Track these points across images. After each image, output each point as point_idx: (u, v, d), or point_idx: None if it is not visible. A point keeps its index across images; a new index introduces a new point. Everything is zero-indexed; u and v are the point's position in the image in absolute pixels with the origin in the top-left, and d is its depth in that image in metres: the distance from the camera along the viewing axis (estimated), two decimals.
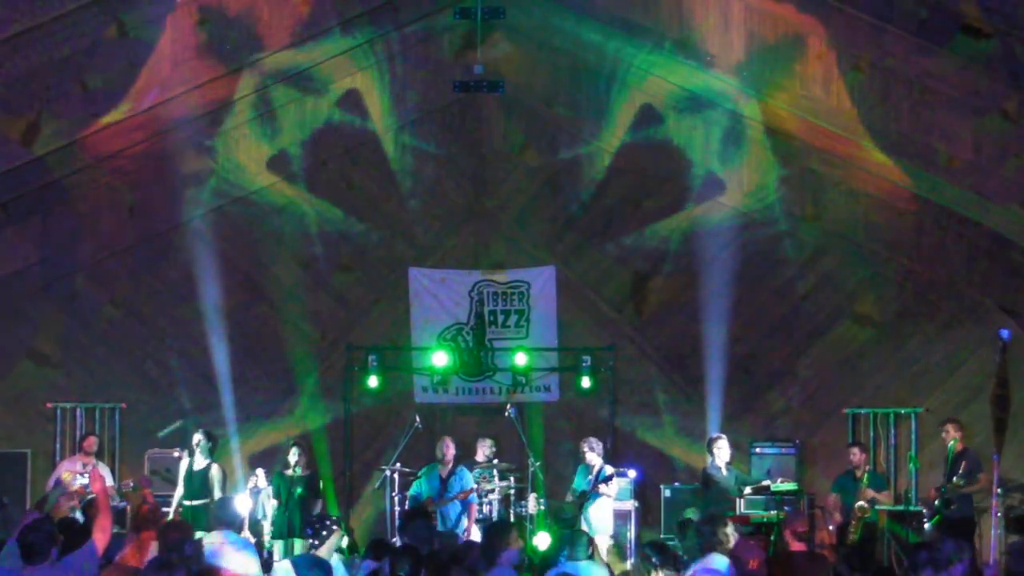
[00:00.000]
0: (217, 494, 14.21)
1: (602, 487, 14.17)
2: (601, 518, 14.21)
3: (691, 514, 13.35)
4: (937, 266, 15.30)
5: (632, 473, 14.85)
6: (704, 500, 14.34)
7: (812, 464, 16.05)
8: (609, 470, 14.27)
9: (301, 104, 15.83)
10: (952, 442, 14.04)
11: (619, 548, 14.59)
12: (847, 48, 13.09)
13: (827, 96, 13.64)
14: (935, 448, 15.30)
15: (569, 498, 14.23)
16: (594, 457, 14.40)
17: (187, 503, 14.14)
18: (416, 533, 9.71)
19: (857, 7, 12.53)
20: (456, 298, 16.73)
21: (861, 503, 13.93)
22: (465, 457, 15.49)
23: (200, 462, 14.32)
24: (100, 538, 7.81)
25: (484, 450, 15.52)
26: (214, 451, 14.50)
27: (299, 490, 14.22)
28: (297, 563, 9.13)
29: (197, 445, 14.36)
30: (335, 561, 9.33)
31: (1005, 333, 8.27)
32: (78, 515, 12.10)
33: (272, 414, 16.71)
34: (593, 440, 14.58)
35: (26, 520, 8.27)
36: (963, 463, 13.53)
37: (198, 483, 14.22)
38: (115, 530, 9.39)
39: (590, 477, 14.29)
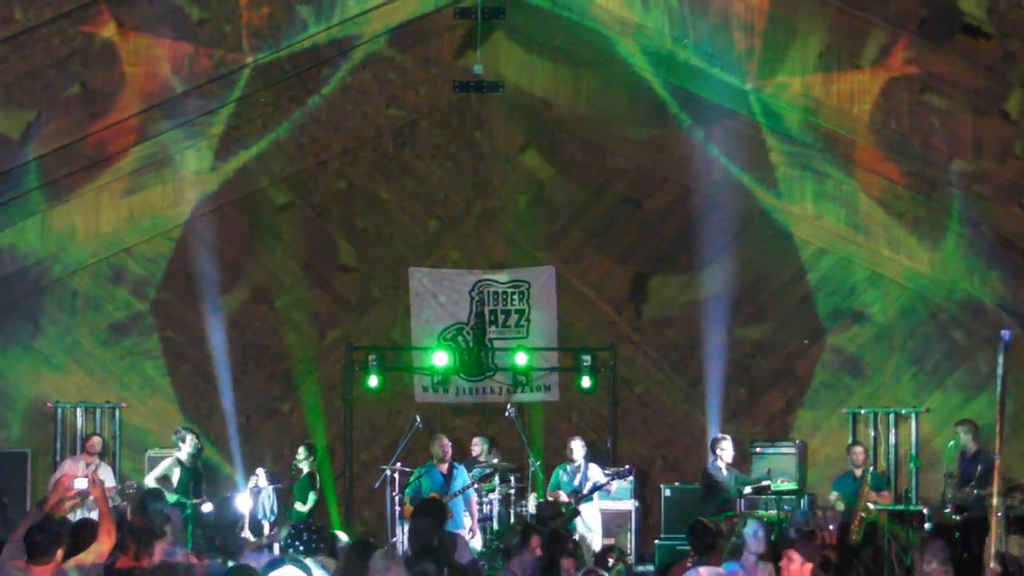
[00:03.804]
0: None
1: (613, 485, 14.27)
2: (594, 517, 14.30)
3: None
4: (937, 266, 15.30)
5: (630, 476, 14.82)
6: (705, 500, 14.34)
7: (812, 464, 16.05)
8: (600, 475, 14.26)
9: (302, 103, 15.82)
10: (953, 442, 14.04)
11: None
12: (847, 48, 13.09)
13: (827, 95, 13.63)
14: (935, 448, 15.32)
15: (563, 497, 14.20)
16: (580, 456, 14.43)
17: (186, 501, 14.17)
18: (419, 531, 9.67)
19: (857, 7, 12.54)
20: (456, 298, 16.73)
21: (866, 504, 13.92)
22: (462, 457, 15.51)
23: (190, 460, 14.37)
24: (106, 541, 7.80)
25: (476, 448, 15.60)
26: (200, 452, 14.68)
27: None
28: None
29: (183, 441, 14.42)
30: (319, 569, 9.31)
31: (1006, 334, 8.26)
32: (78, 515, 12.12)
33: (272, 414, 16.72)
34: (581, 438, 14.64)
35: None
36: (979, 466, 13.50)
37: (193, 482, 14.29)
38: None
39: (578, 476, 14.29)
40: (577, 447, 14.47)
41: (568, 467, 14.47)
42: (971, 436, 14.00)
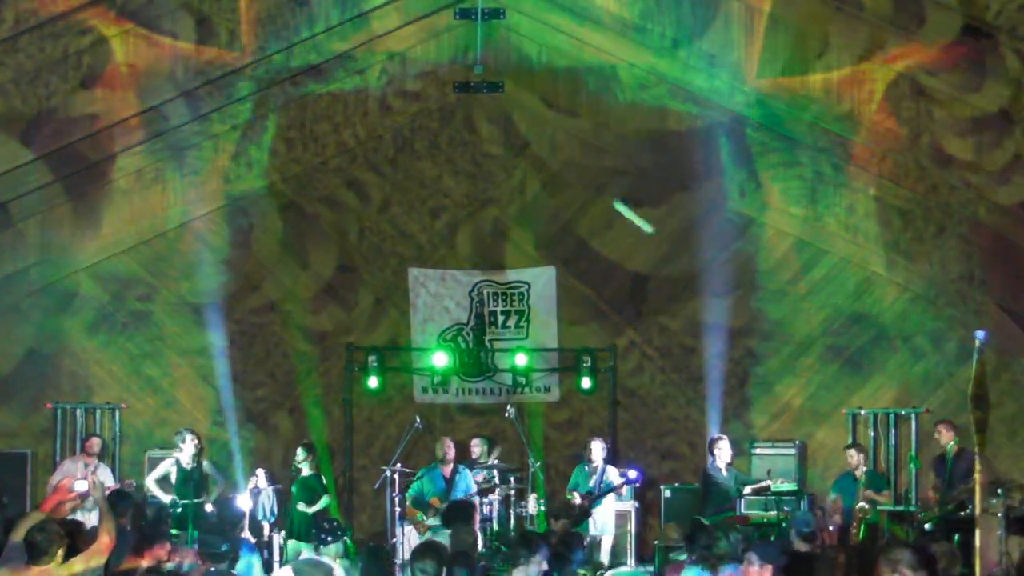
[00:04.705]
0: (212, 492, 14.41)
1: (624, 490, 14.35)
2: (606, 518, 14.29)
3: None
4: (937, 265, 15.31)
5: (633, 474, 14.87)
6: (704, 500, 14.35)
7: (812, 464, 16.06)
8: (616, 477, 14.29)
9: (301, 103, 15.82)
10: (953, 443, 14.05)
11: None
12: (848, 48, 13.10)
13: (827, 96, 13.65)
14: (935, 448, 15.31)
15: (577, 499, 14.23)
16: (599, 458, 14.45)
17: (183, 502, 14.15)
18: (464, 538, 9.73)
19: (857, 7, 12.54)
20: (456, 298, 16.73)
21: (862, 504, 13.93)
22: (461, 458, 15.51)
23: (190, 461, 14.34)
24: (106, 541, 7.80)
25: (476, 450, 15.60)
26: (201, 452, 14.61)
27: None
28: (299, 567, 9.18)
29: (184, 442, 14.39)
30: (338, 566, 9.34)
31: (980, 335, 8.38)
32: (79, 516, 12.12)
33: (272, 414, 16.71)
34: (602, 440, 14.64)
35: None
36: (965, 465, 13.54)
37: (193, 482, 14.27)
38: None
39: (594, 478, 14.31)
40: (596, 448, 14.48)
41: (586, 467, 14.50)
42: (953, 433, 14.03)
